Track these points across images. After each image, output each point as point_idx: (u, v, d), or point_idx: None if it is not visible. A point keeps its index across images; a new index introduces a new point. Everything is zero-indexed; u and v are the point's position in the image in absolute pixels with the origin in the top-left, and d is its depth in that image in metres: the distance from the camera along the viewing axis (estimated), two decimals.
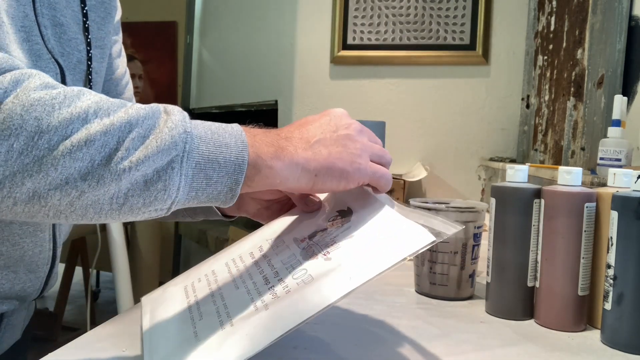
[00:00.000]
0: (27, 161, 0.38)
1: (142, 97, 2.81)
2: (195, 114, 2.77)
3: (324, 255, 0.48)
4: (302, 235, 0.54)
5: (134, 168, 0.40)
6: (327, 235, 0.51)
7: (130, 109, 0.42)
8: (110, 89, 0.75)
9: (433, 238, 0.43)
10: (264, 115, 2.32)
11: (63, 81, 0.60)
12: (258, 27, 2.30)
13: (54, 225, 0.62)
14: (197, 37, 2.76)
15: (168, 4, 2.76)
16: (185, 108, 2.79)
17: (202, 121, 0.46)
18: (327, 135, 0.50)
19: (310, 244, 0.51)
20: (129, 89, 0.79)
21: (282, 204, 0.64)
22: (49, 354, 0.49)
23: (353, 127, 0.51)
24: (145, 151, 0.40)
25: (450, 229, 0.46)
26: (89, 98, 0.41)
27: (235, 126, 0.46)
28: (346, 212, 0.54)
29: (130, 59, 2.85)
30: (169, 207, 0.42)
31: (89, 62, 0.65)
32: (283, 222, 0.59)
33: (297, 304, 0.43)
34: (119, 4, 0.74)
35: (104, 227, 2.08)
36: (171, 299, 0.54)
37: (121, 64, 0.78)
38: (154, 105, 0.44)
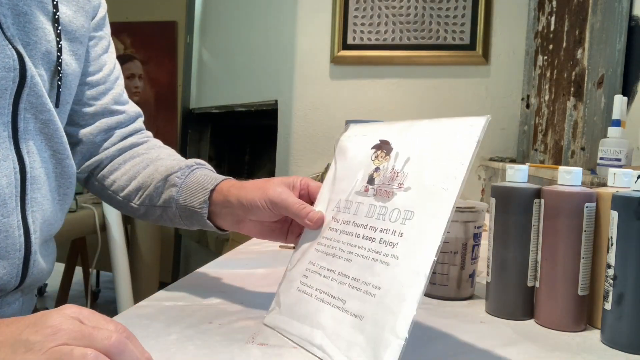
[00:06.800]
0: None
1: (142, 97, 2.81)
2: (195, 114, 2.77)
3: (399, 187, 0.46)
4: (360, 187, 0.52)
5: None
6: (384, 172, 0.49)
7: None
8: (98, 84, 0.75)
9: (486, 117, 0.43)
10: (264, 115, 2.31)
11: (22, 67, 0.60)
12: (258, 27, 2.30)
13: (22, 211, 0.60)
14: (197, 37, 2.76)
15: (168, 4, 2.76)
16: (185, 108, 2.80)
17: None
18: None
19: (376, 187, 0.49)
20: (119, 85, 0.80)
21: (285, 224, 0.65)
22: None
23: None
24: None
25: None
26: None
27: None
28: (382, 144, 0.51)
29: (130, 59, 2.87)
30: None
31: (59, 54, 0.65)
32: (328, 190, 0.57)
33: (422, 234, 0.42)
34: (102, 1, 0.75)
35: (103, 227, 2.08)
36: (304, 308, 0.50)
37: (109, 60, 0.78)
38: None
